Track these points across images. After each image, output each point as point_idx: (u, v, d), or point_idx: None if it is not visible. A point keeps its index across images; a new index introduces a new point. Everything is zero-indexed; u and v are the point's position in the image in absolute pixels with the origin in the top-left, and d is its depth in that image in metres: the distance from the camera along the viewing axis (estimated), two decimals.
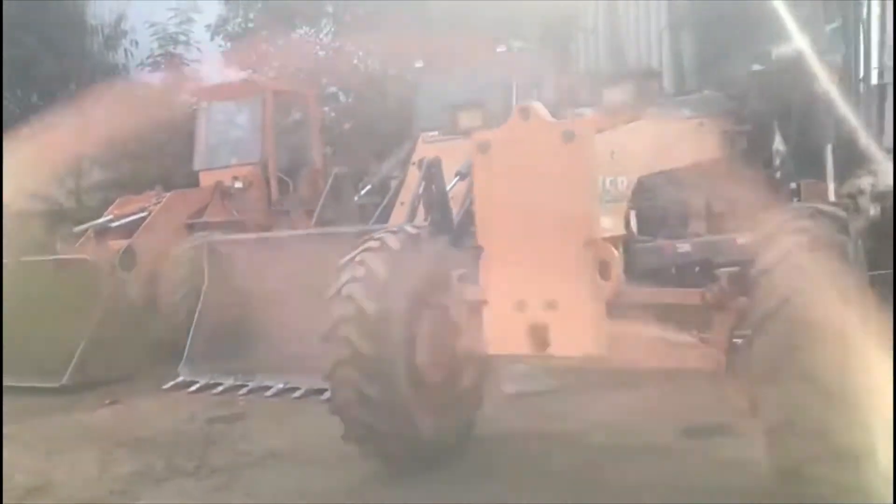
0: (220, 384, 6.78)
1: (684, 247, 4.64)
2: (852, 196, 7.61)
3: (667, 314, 4.04)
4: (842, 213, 3.35)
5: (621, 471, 4.29)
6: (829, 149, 5.90)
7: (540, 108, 3.68)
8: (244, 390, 6.60)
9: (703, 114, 5.42)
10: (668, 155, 4.73)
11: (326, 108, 13.52)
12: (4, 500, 4.43)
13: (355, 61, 13.91)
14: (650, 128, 4.44)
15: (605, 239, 3.77)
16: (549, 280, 3.62)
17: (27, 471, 4.94)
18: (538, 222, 3.64)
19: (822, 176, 7.03)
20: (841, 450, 3.03)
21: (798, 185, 6.29)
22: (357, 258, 4.30)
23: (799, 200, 6.31)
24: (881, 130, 8.52)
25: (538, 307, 3.64)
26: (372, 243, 4.37)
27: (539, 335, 3.66)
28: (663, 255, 4.71)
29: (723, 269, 3.62)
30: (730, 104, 5.86)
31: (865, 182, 7.67)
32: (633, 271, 4.53)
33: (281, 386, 6.46)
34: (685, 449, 4.43)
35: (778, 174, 6.22)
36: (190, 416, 6.05)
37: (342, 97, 14.06)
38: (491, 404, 5.37)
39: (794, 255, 3.18)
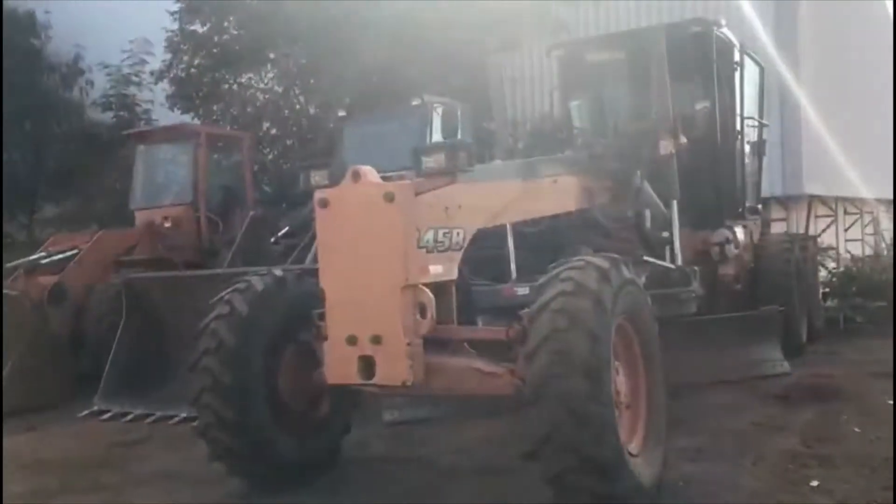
0: (129, 413, 7.24)
1: (524, 290, 5.26)
2: (720, 244, 8.34)
3: (493, 349, 4.65)
4: (605, 265, 3.96)
5: (457, 489, 4.85)
6: (674, 204, 6.57)
7: (369, 171, 4.30)
8: (151, 419, 7.08)
9: (562, 172, 6.02)
10: (513, 209, 5.33)
11: (267, 150, 14.13)
12: None
13: (297, 106, 14.55)
14: (491, 187, 5.02)
15: (432, 284, 4.38)
16: (375, 318, 4.21)
17: None
18: (366, 269, 4.24)
19: (696, 226, 7.76)
20: (591, 462, 3.63)
21: (670, 234, 6.97)
22: (225, 297, 4.87)
23: (671, 249, 6.98)
24: (757, 184, 9.30)
25: (366, 341, 4.22)
26: (240, 285, 4.94)
27: (366, 366, 4.24)
28: (504, 297, 5.34)
29: (524, 310, 4.19)
30: (591, 163, 6.48)
31: (733, 232, 8.39)
32: (473, 311, 5.15)
33: (184, 415, 6.91)
34: (518, 470, 4.97)
35: (648, 224, 6.89)
36: (94, 442, 6.53)
37: (286, 141, 14.65)
38: (366, 431, 5.95)
39: (556, 300, 3.80)
